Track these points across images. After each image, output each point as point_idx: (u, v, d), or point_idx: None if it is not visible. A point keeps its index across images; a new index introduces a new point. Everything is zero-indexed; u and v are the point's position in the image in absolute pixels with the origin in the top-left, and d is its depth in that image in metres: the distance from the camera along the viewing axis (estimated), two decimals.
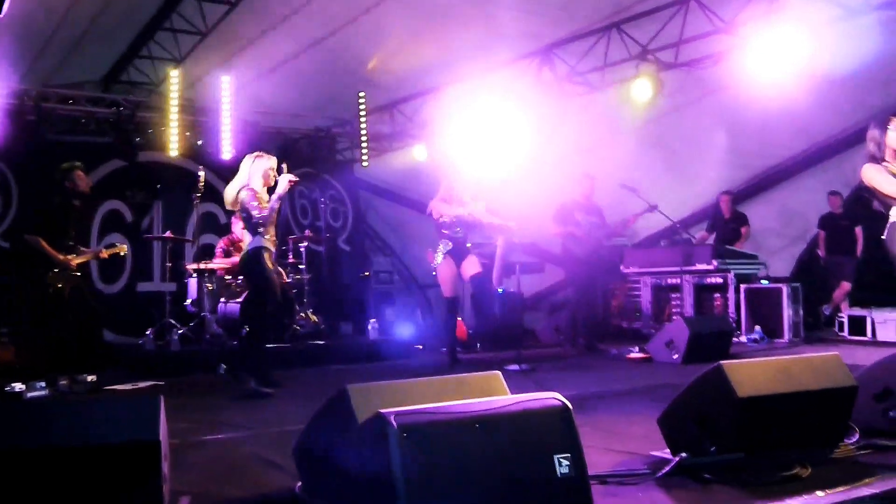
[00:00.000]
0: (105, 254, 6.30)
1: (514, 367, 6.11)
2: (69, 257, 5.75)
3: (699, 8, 6.97)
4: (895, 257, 4.35)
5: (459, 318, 8.74)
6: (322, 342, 7.72)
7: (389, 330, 9.02)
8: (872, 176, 4.39)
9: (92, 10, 7.33)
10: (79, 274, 5.90)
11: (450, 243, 6.43)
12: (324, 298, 9.22)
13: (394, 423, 1.93)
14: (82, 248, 6.04)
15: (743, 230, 8.85)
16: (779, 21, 6.58)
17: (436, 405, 2.09)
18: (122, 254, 6.46)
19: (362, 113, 9.78)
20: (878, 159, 4.37)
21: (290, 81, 9.13)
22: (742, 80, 7.32)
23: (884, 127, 4.39)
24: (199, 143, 9.47)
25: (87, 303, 5.92)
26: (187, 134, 9.22)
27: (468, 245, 6.56)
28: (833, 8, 6.61)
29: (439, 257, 6.44)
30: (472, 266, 6.48)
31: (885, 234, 4.38)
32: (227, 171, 5.64)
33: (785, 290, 8.02)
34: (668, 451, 2.91)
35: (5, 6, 4.89)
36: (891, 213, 4.37)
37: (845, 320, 8.06)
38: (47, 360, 5.74)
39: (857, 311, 8.04)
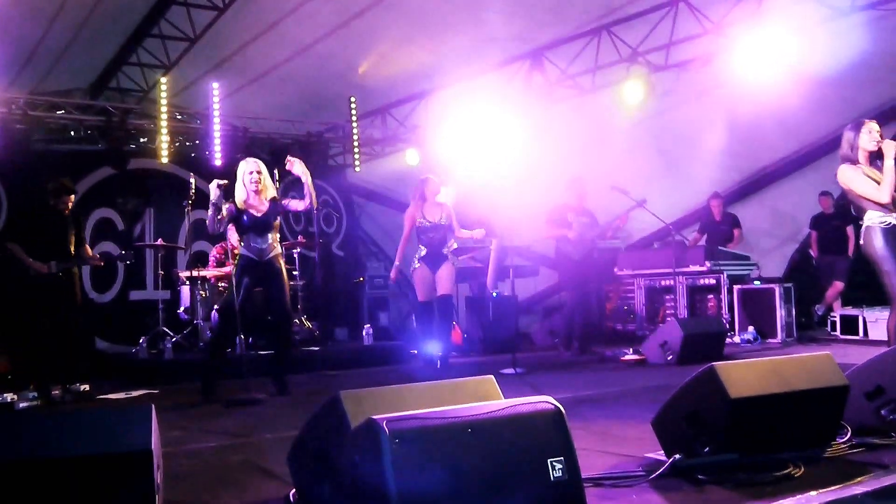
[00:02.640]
0: (98, 261, 6.22)
1: (509, 370, 6.11)
2: (41, 265, 5.60)
3: (688, 9, 7.00)
4: (874, 262, 4.36)
5: (455, 322, 8.78)
6: (316, 348, 7.70)
7: (384, 335, 9.00)
8: (849, 177, 4.39)
9: (79, 17, 7.31)
10: (65, 281, 5.75)
11: (423, 249, 6.43)
12: (318, 304, 9.19)
13: (386, 429, 1.92)
14: (80, 255, 5.94)
15: (735, 233, 8.87)
16: (767, 22, 6.62)
17: (428, 410, 2.08)
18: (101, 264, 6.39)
19: (354, 117, 9.77)
20: (852, 161, 4.39)
21: (280, 86, 9.13)
22: (732, 81, 7.36)
23: (857, 129, 4.41)
24: (190, 149, 9.44)
25: (69, 312, 5.77)
26: (178, 141, 9.19)
27: (445, 251, 6.48)
28: (820, 8, 6.65)
29: (415, 262, 6.46)
30: (444, 281, 6.40)
31: (862, 239, 4.40)
32: (219, 178, 5.59)
33: (777, 290, 8.05)
34: (662, 452, 2.92)
35: None
36: (865, 217, 4.38)
37: (837, 320, 8.09)
38: (31, 368, 5.69)
39: (850, 311, 8.08)
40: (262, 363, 6.06)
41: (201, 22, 7.52)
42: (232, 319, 5.21)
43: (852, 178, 4.40)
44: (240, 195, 5.36)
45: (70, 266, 5.79)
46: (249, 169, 5.40)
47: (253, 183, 5.35)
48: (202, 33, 7.65)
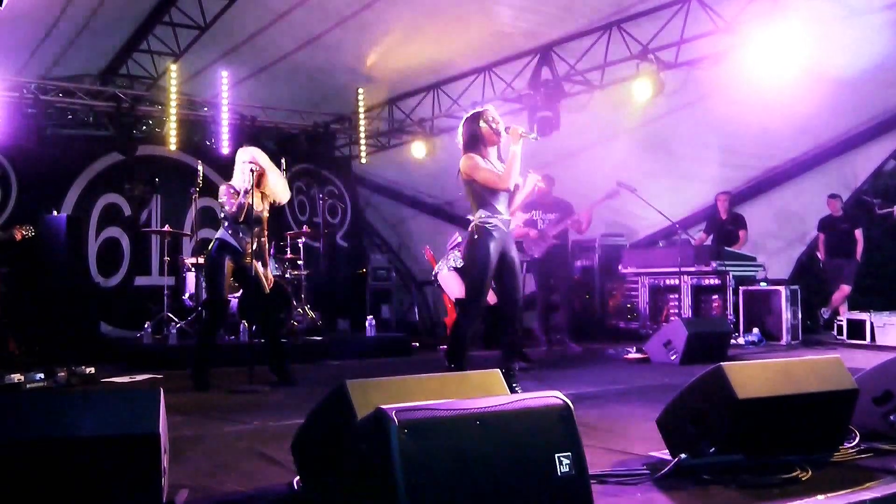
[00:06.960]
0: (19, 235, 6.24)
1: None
2: None
3: (700, 7, 6.95)
4: (468, 260, 4.26)
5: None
6: (319, 338, 7.71)
7: (386, 327, 8.99)
8: (471, 165, 4.22)
9: (91, 4, 7.31)
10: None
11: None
12: (321, 294, 9.20)
13: (394, 419, 1.91)
14: None
15: (741, 234, 8.80)
16: (781, 21, 6.56)
17: (437, 402, 2.07)
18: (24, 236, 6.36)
19: (361, 109, 9.75)
20: (475, 151, 4.25)
21: (288, 76, 9.12)
22: (743, 80, 7.31)
23: (478, 117, 4.28)
24: (198, 137, 9.44)
25: None
26: (186, 128, 9.20)
27: None
28: (837, 7, 6.58)
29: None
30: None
31: (468, 236, 4.26)
32: (226, 166, 5.59)
33: (783, 292, 8.01)
34: (667, 451, 2.90)
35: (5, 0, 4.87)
36: (475, 214, 4.24)
37: (844, 323, 8.04)
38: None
39: (857, 315, 8.02)
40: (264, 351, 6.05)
41: (212, 10, 7.53)
42: (222, 308, 5.12)
43: (474, 167, 4.21)
44: (238, 184, 5.15)
45: None
46: (244, 158, 5.14)
47: (254, 173, 5.11)
48: (212, 21, 7.66)
